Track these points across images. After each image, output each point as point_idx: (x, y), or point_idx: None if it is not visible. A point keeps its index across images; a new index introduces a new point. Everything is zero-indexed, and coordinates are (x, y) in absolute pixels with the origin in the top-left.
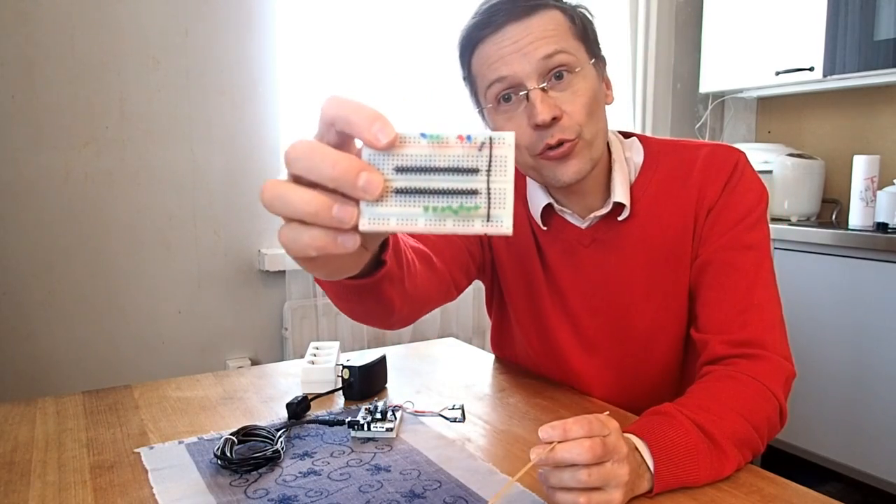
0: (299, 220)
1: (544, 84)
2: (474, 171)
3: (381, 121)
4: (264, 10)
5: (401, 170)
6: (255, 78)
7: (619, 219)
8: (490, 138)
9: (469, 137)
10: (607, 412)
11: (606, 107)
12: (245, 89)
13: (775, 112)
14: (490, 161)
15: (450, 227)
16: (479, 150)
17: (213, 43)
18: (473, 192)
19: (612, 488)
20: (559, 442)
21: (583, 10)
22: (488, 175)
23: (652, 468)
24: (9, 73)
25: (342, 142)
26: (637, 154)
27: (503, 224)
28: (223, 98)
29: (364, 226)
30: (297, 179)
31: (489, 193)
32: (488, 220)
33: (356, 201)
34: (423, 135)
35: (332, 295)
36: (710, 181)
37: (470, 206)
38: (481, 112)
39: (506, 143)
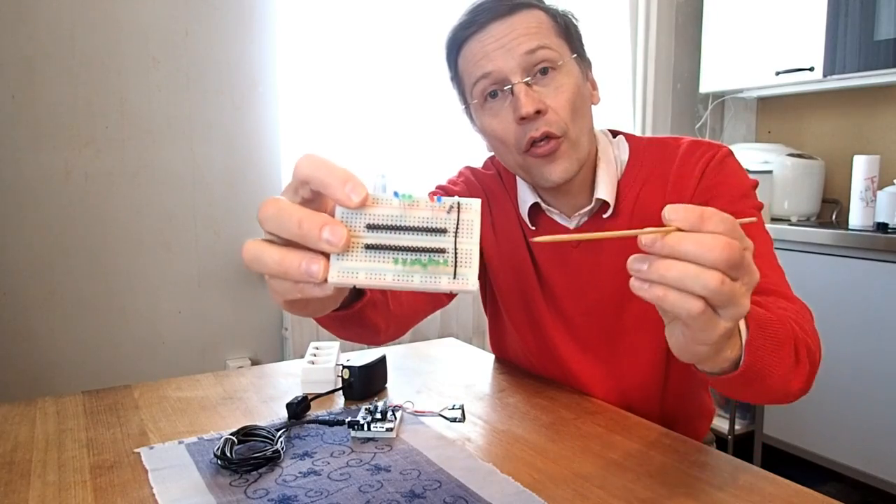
0: (274, 276)
1: (528, 79)
2: (442, 231)
3: (353, 181)
4: (264, 10)
5: (372, 227)
6: (255, 78)
7: (605, 216)
8: (458, 202)
9: (439, 199)
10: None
11: (594, 107)
12: (245, 89)
13: (775, 112)
14: (458, 224)
15: (417, 282)
16: (448, 212)
17: (213, 43)
18: (441, 251)
19: (728, 318)
20: (681, 230)
21: (566, 12)
22: (456, 236)
23: (744, 339)
24: (9, 72)
25: (316, 196)
26: (623, 152)
27: (468, 282)
28: (223, 98)
29: (333, 278)
30: (271, 234)
31: (456, 253)
32: (454, 278)
33: (327, 255)
34: (395, 194)
35: (319, 322)
36: (686, 173)
37: (438, 261)
38: (468, 110)
39: (472, 209)
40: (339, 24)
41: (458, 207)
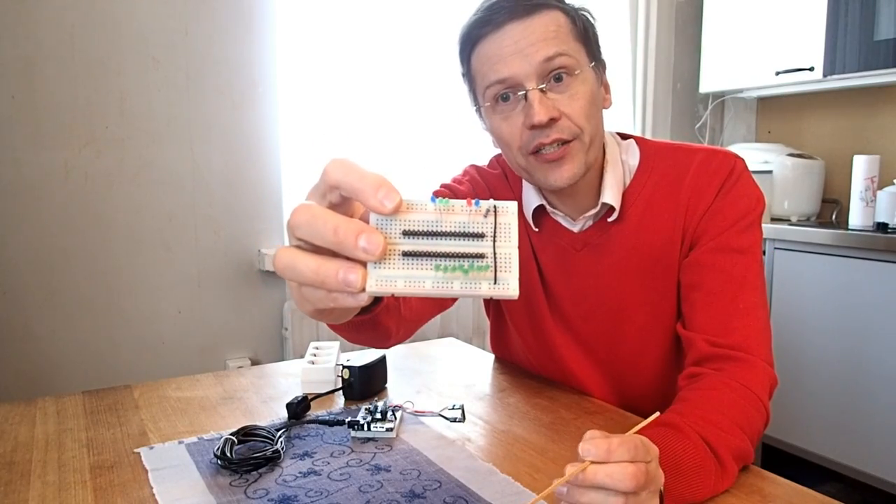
0: (309, 285)
1: (543, 85)
2: (480, 236)
3: (386, 187)
4: (264, 10)
5: (408, 234)
6: (255, 78)
7: (609, 220)
8: (494, 206)
9: (476, 203)
10: (656, 413)
11: (604, 111)
12: (245, 89)
13: (775, 112)
14: (495, 227)
15: (457, 289)
16: (485, 216)
17: (213, 43)
18: (480, 256)
19: None
20: (596, 462)
21: (585, 13)
22: (494, 240)
23: (662, 485)
24: (9, 73)
25: (343, 201)
26: (633, 157)
27: (510, 287)
28: (223, 98)
29: (371, 287)
30: (300, 240)
31: (496, 257)
32: (495, 283)
33: (363, 263)
34: (433, 199)
35: (332, 326)
36: (703, 188)
37: (480, 266)
38: (478, 110)
39: (509, 212)
40: (339, 23)
41: (496, 211)
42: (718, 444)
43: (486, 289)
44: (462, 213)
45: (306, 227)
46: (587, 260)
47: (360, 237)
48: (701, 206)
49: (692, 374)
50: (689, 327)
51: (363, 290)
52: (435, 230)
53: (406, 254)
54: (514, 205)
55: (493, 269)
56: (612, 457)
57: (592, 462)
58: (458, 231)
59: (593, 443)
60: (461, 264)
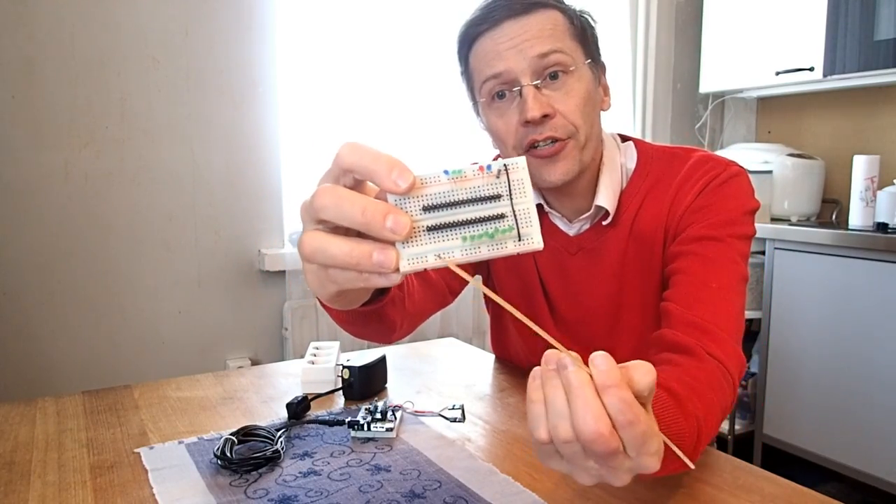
0: (341, 267)
1: (538, 81)
2: (497, 197)
3: (399, 167)
4: (264, 10)
5: (428, 209)
6: (255, 78)
7: (604, 224)
8: (505, 165)
9: (489, 167)
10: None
11: (603, 112)
12: (245, 89)
13: (775, 112)
14: (510, 185)
15: (484, 252)
16: (497, 177)
17: (213, 43)
18: (501, 217)
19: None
20: (591, 376)
21: (584, 15)
22: (511, 198)
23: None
24: (9, 73)
25: (356, 185)
26: (631, 160)
27: (534, 240)
28: (223, 98)
29: (404, 267)
30: (321, 223)
31: (515, 215)
32: (520, 240)
33: (392, 243)
34: (445, 172)
35: (338, 320)
36: (688, 188)
37: (504, 229)
38: (476, 106)
39: (520, 167)
40: (339, 23)
41: (507, 170)
42: (704, 431)
43: (512, 246)
44: (476, 179)
45: (333, 208)
46: (582, 264)
47: (388, 218)
48: (683, 203)
49: (685, 349)
50: (664, 300)
51: (397, 270)
52: (453, 200)
53: (431, 228)
54: (523, 160)
55: (515, 227)
56: (606, 395)
57: (590, 374)
58: (475, 197)
59: (608, 365)
60: (486, 230)
